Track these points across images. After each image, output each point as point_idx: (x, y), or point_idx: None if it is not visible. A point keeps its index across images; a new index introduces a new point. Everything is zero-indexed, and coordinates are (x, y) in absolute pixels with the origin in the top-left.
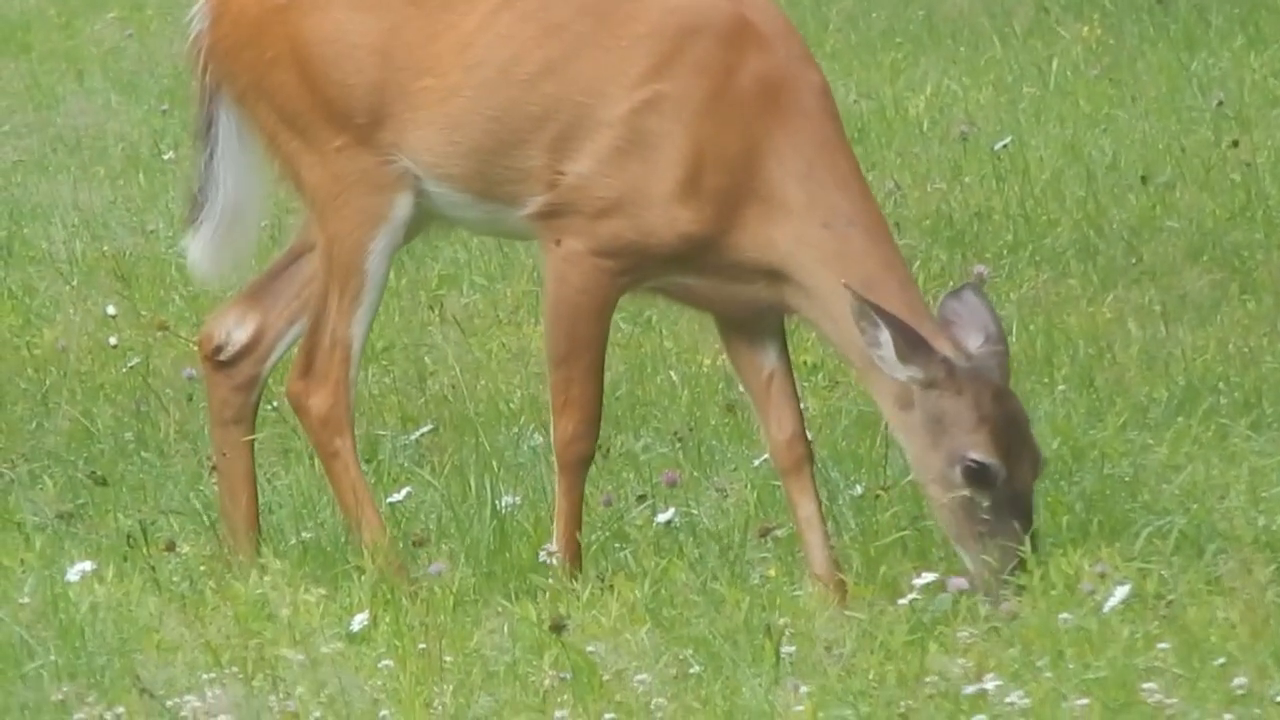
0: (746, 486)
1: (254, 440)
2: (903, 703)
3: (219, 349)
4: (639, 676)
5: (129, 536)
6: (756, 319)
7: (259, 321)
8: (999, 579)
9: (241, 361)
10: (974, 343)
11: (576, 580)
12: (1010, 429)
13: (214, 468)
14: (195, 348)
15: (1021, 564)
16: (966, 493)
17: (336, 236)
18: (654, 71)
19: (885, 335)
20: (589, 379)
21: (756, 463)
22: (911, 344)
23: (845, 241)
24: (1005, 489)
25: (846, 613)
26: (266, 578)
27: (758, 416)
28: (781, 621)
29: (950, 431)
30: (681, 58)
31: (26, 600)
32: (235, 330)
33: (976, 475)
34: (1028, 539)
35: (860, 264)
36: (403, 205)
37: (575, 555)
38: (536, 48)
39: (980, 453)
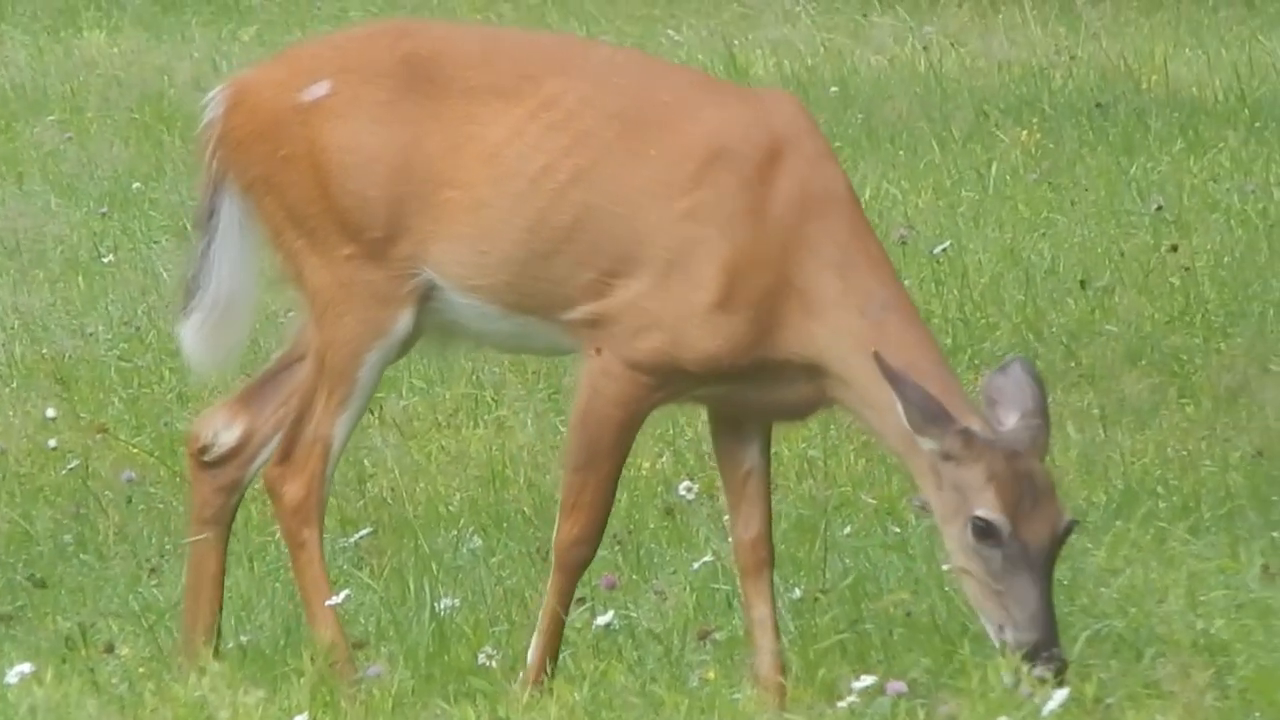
0: (685, 589)
1: (228, 543)
2: None
3: (205, 449)
4: None
5: (68, 638)
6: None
7: (247, 425)
8: (1033, 645)
9: (227, 464)
10: (1010, 420)
11: (550, 680)
12: (1020, 486)
13: (153, 570)
14: (134, 449)
15: (1053, 633)
16: (980, 553)
17: (333, 343)
18: (690, 182)
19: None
20: (604, 487)
21: (696, 566)
22: (928, 414)
23: (881, 328)
24: (1014, 545)
25: (785, 716)
26: (205, 679)
27: (728, 511)
28: None
29: (966, 498)
30: (714, 167)
31: None
32: (223, 432)
33: (984, 532)
34: (1049, 602)
35: (897, 349)
36: (404, 322)
37: (554, 653)
38: (565, 157)
39: (986, 509)
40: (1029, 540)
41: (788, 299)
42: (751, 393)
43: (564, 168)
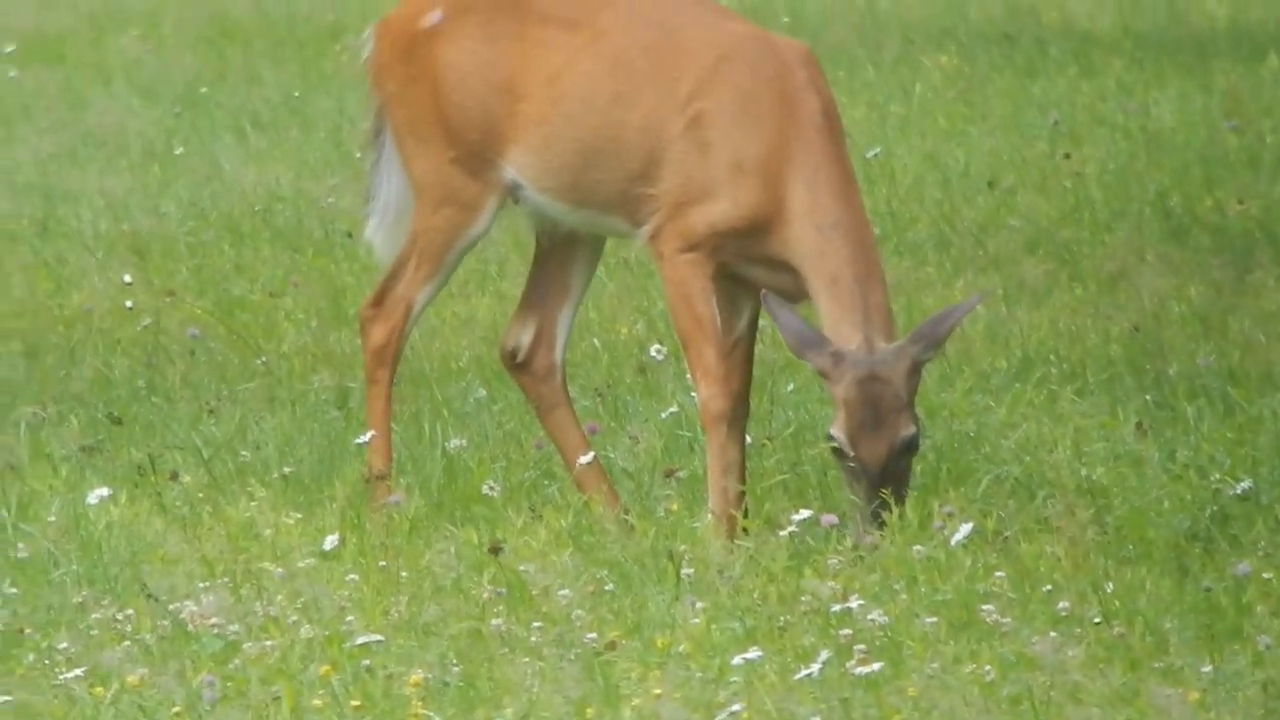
0: (655, 435)
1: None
2: (782, 618)
3: (514, 354)
4: (562, 592)
5: (139, 467)
6: (743, 292)
7: (538, 322)
8: (863, 527)
9: (534, 358)
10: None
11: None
12: (863, 412)
13: (211, 411)
14: (199, 310)
15: (879, 520)
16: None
17: (428, 230)
18: (691, 95)
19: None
20: (713, 346)
21: (664, 415)
22: (803, 340)
23: (828, 242)
24: (854, 462)
25: (736, 543)
26: (254, 504)
27: None
28: (682, 548)
29: (834, 412)
30: (716, 75)
31: (53, 519)
32: (522, 335)
33: (834, 449)
34: (879, 501)
35: (830, 262)
36: (486, 219)
37: (734, 504)
38: (608, 79)
39: (835, 429)
40: (866, 459)
41: (774, 199)
42: (759, 275)
43: (605, 91)
